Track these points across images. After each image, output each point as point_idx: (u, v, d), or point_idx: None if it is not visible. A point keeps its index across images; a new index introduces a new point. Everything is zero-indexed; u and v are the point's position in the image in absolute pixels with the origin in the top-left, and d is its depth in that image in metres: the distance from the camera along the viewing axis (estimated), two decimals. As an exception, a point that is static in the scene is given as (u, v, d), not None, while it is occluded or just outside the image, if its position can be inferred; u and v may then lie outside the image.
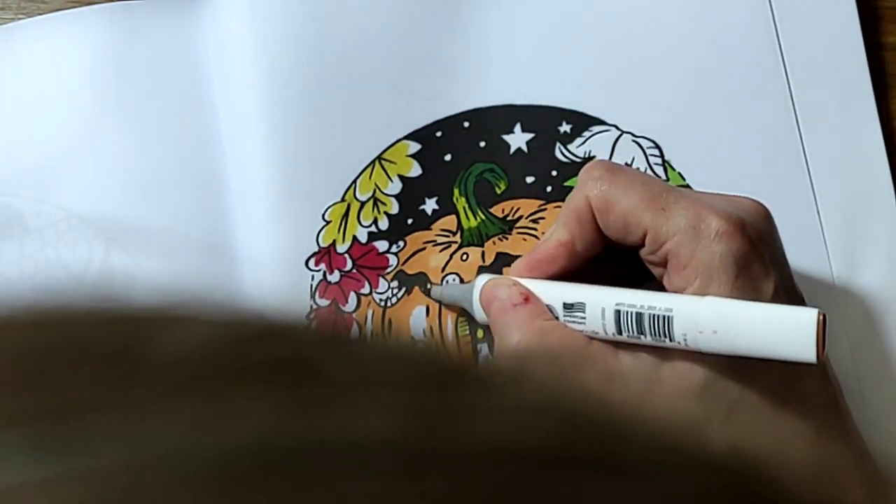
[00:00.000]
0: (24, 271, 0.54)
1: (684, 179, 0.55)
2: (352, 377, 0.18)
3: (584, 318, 0.48)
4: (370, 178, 0.55)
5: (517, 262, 0.51)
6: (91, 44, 0.55)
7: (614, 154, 0.55)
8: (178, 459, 0.15)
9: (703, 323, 0.45)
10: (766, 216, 0.49)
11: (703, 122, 0.56)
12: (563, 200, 0.55)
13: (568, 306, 0.48)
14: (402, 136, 0.55)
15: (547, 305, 0.49)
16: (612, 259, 0.51)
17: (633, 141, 0.56)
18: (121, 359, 0.17)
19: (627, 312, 0.47)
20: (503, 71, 0.56)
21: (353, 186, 0.55)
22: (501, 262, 0.55)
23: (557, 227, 0.50)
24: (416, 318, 0.54)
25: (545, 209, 0.55)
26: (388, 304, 0.55)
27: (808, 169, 0.55)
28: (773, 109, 0.55)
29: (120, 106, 0.55)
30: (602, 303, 0.47)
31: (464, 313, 0.54)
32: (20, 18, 0.56)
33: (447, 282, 0.54)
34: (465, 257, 0.55)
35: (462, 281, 0.54)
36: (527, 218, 0.55)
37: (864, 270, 0.55)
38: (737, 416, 0.46)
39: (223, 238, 0.54)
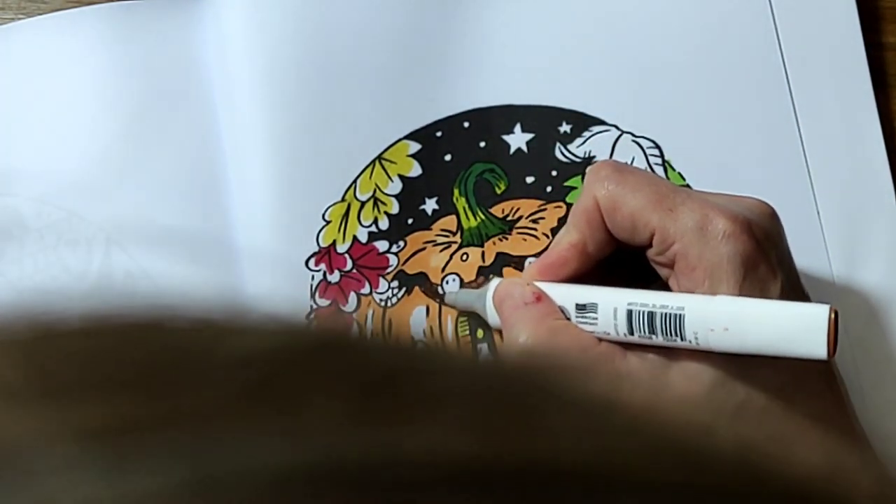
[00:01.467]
0: (24, 271, 0.54)
1: (684, 179, 0.55)
2: (427, 392, 0.17)
3: (596, 318, 0.48)
4: (370, 177, 0.55)
5: (529, 266, 0.52)
6: (91, 44, 0.55)
7: (614, 154, 0.55)
8: (249, 476, 0.15)
9: (714, 321, 0.45)
10: (773, 216, 0.49)
11: (703, 122, 0.56)
12: (563, 200, 0.55)
13: (580, 307, 0.48)
14: (402, 135, 0.55)
15: (560, 307, 0.49)
16: (620, 262, 0.51)
17: (633, 141, 0.56)
18: (189, 367, 0.17)
19: (639, 312, 0.47)
20: (503, 71, 0.56)
21: (353, 186, 0.55)
22: (501, 263, 0.55)
23: (568, 230, 0.50)
24: (416, 318, 0.54)
25: (545, 209, 0.55)
26: (389, 304, 0.55)
27: (808, 169, 0.55)
28: (773, 109, 0.55)
29: (120, 106, 0.55)
30: (614, 303, 0.47)
31: (476, 318, 0.54)
32: (20, 18, 0.56)
33: (448, 282, 0.54)
34: (465, 257, 0.55)
35: (462, 282, 0.54)
36: (527, 218, 0.55)
37: (864, 270, 0.55)
38: (745, 415, 0.46)
39: (223, 238, 0.54)
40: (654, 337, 0.46)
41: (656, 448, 0.17)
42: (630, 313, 0.47)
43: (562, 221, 0.54)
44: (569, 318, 0.49)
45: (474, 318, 0.53)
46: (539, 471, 0.16)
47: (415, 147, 0.55)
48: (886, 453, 0.51)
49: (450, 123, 0.55)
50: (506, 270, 0.54)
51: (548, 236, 0.54)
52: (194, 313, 0.18)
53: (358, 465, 0.15)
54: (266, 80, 0.55)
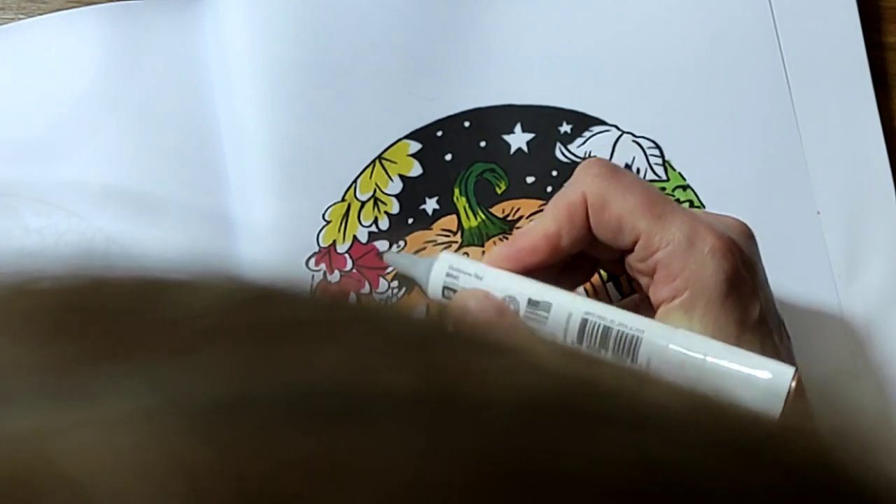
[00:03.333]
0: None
1: (684, 179, 0.55)
2: (368, 335, 0.18)
3: (546, 317, 0.46)
4: (371, 177, 0.55)
5: (495, 249, 0.49)
6: (91, 43, 0.55)
7: (614, 154, 0.55)
8: (192, 406, 0.16)
9: (672, 352, 0.44)
10: (751, 237, 0.48)
11: (703, 122, 0.56)
12: (563, 200, 0.55)
13: (533, 303, 0.47)
14: (402, 135, 0.55)
15: (509, 296, 0.47)
16: (576, 266, 0.50)
17: (634, 141, 0.56)
18: (139, 313, 0.18)
19: (595, 324, 0.46)
20: (504, 71, 0.56)
21: (353, 186, 0.55)
22: (502, 262, 0.55)
23: (544, 219, 0.48)
24: (417, 318, 0.54)
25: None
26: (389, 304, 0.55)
27: (809, 169, 0.55)
28: (773, 109, 0.56)
29: (120, 106, 0.55)
30: (570, 308, 0.46)
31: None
32: (20, 18, 0.56)
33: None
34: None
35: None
36: (527, 218, 0.55)
37: (864, 270, 0.55)
38: None
39: (223, 238, 0.54)
40: (603, 352, 0.45)
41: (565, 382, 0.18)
42: (585, 322, 0.46)
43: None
44: (517, 311, 0.47)
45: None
46: (475, 404, 0.17)
47: (415, 147, 0.55)
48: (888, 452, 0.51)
49: (450, 123, 0.55)
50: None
51: (548, 236, 0.54)
52: (147, 268, 0.19)
53: (301, 396, 0.16)
54: (266, 80, 0.55)
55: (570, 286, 0.49)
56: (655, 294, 0.47)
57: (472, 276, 0.48)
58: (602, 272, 0.53)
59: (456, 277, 0.48)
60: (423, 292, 0.49)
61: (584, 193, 0.47)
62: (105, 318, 0.18)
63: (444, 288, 0.48)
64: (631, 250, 0.47)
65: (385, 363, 0.17)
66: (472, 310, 0.48)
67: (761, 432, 0.19)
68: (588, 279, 0.52)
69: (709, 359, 0.44)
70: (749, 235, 0.48)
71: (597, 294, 0.54)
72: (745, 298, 0.46)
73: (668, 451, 0.17)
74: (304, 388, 0.16)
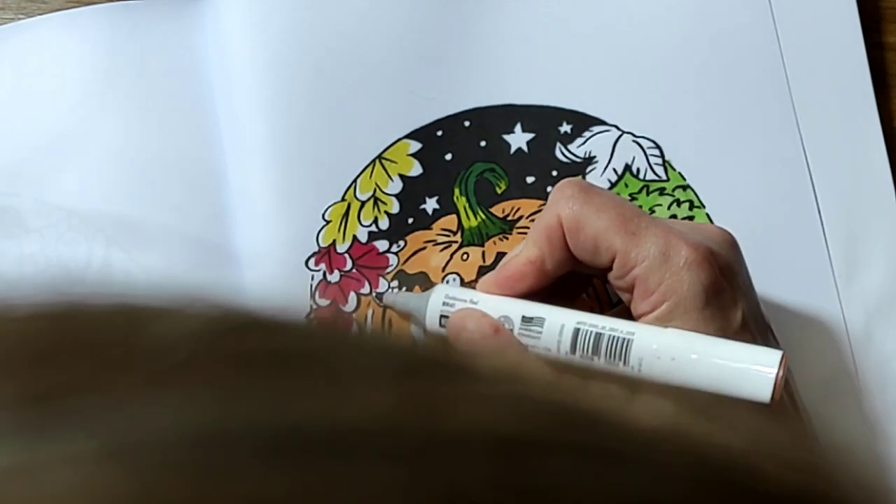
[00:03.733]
0: (24, 271, 0.53)
1: (684, 179, 0.55)
2: (346, 366, 0.18)
3: (540, 332, 0.47)
4: (370, 177, 0.55)
5: (485, 278, 0.51)
6: (91, 44, 0.55)
7: (614, 154, 0.55)
8: (164, 443, 0.15)
9: (662, 351, 0.45)
10: (733, 244, 0.49)
11: (703, 122, 0.56)
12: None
13: (527, 319, 0.48)
14: (402, 135, 0.55)
15: (503, 316, 0.48)
16: (572, 281, 0.51)
17: (634, 141, 0.56)
18: (114, 346, 0.17)
19: (587, 332, 0.46)
20: (504, 71, 0.56)
21: (353, 186, 0.55)
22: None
23: (527, 245, 0.49)
24: (417, 317, 0.54)
25: (545, 209, 0.55)
26: (389, 303, 0.55)
27: (809, 169, 0.55)
28: (773, 109, 0.56)
29: (120, 106, 0.55)
30: (562, 320, 0.47)
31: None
32: (20, 18, 0.56)
33: (448, 282, 0.54)
34: (465, 257, 0.55)
35: (462, 281, 0.54)
36: (527, 218, 0.55)
37: (864, 270, 0.55)
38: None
39: (223, 238, 0.54)
40: (595, 359, 0.46)
41: (558, 412, 0.18)
42: (577, 332, 0.47)
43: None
44: (511, 329, 0.48)
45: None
46: (452, 435, 0.17)
47: (415, 146, 0.55)
48: (888, 453, 0.51)
49: (450, 123, 0.55)
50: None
51: (548, 236, 0.54)
52: (128, 296, 0.19)
53: (274, 431, 0.16)
54: (266, 80, 0.55)
55: (566, 301, 0.50)
56: (635, 309, 0.48)
57: (467, 302, 0.50)
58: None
59: (452, 306, 0.50)
60: (422, 325, 0.51)
61: (559, 217, 0.48)
62: (79, 348, 0.17)
63: (441, 316, 0.50)
64: (610, 268, 0.48)
65: (364, 395, 0.17)
66: (468, 328, 0.48)
67: (748, 466, 0.18)
68: (583, 293, 0.53)
69: (697, 353, 0.45)
70: (731, 243, 0.49)
71: (598, 297, 0.54)
72: (725, 307, 0.47)
73: (648, 488, 0.16)
74: (282, 423, 0.16)
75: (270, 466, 0.15)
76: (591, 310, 0.49)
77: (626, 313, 0.49)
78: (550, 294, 0.50)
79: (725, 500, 0.17)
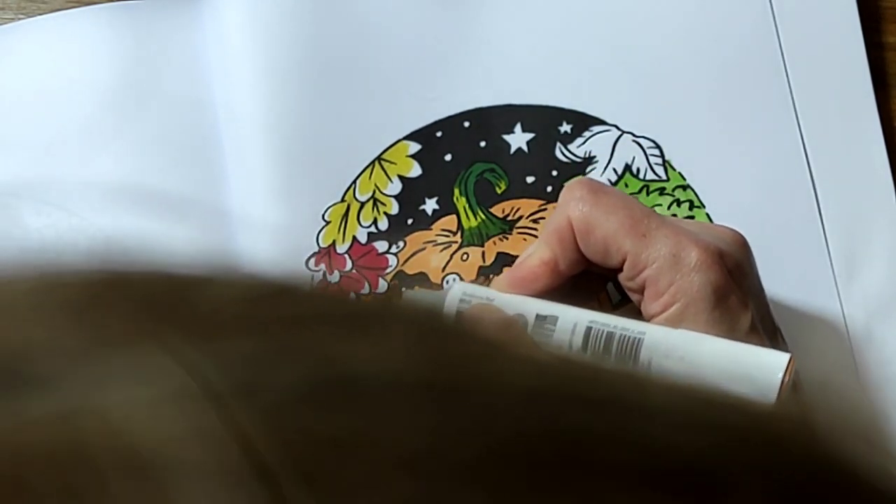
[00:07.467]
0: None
1: (685, 179, 0.55)
2: (383, 329, 0.20)
3: (553, 329, 0.48)
4: (370, 178, 0.55)
5: (499, 278, 0.51)
6: (91, 44, 0.55)
7: (614, 154, 0.55)
8: (232, 385, 0.17)
9: (672, 350, 0.45)
10: (744, 245, 0.49)
11: (703, 122, 0.56)
12: (563, 200, 0.55)
13: (541, 317, 0.48)
14: (402, 136, 0.55)
15: (518, 314, 0.49)
16: (589, 278, 0.51)
17: (634, 141, 0.56)
18: (168, 304, 0.19)
19: (599, 331, 0.47)
20: (503, 71, 0.56)
21: (352, 187, 0.55)
22: (501, 262, 0.55)
23: (540, 246, 0.49)
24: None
25: (545, 209, 0.55)
26: (389, 304, 0.54)
27: (809, 169, 0.55)
28: (773, 109, 0.55)
29: (120, 106, 0.55)
30: (575, 319, 0.47)
31: None
32: (20, 18, 0.56)
33: (448, 282, 0.54)
34: (465, 257, 0.55)
35: (463, 281, 0.54)
36: (527, 218, 0.55)
37: (864, 270, 0.55)
38: None
39: (223, 238, 0.54)
40: (606, 357, 0.47)
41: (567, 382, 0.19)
42: (589, 330, 0.47)
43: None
44: (526, 325, 0.49)
45: None
46: (481, 390, 0.18)
47: (415, 147, 0.55)
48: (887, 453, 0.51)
49: (450, 123, 0.55)
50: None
51: (548, 236, 0.54)
52: (171, 265, 0.21)
53: (319, 382, 0.18)
54: (266, 80, 0.55)
55: (581, 300, 0.50)
56: (646, 310, 0.48)
57: (483, 299, 0.50)
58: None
59: (469, 302, 0.50)
60: None
61: (569, 219, 0.48)
62: (135, 306, 0.19)
63: (458, 313, 0.50)
64: (621, 269, 0.48)
65: (398, 353, 0.18)
66: (484, 321, 0.48)
67: (761, 418, 0.20)
68: (599, 291, 0.53)
69: (706, 353, 0.45)
70: (742, 244, 0.49)
71: (608, 295, 0.55)
72: (734, 308, 0.47)
73: (672, 436, 0.17)
74: (327, 375, 0.18)
75: (319, 409, 0.17)
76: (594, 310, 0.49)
77: (630, 313, 0.49)
78: (566, 293, 0.50)
79: (746, 447, 0.18)
